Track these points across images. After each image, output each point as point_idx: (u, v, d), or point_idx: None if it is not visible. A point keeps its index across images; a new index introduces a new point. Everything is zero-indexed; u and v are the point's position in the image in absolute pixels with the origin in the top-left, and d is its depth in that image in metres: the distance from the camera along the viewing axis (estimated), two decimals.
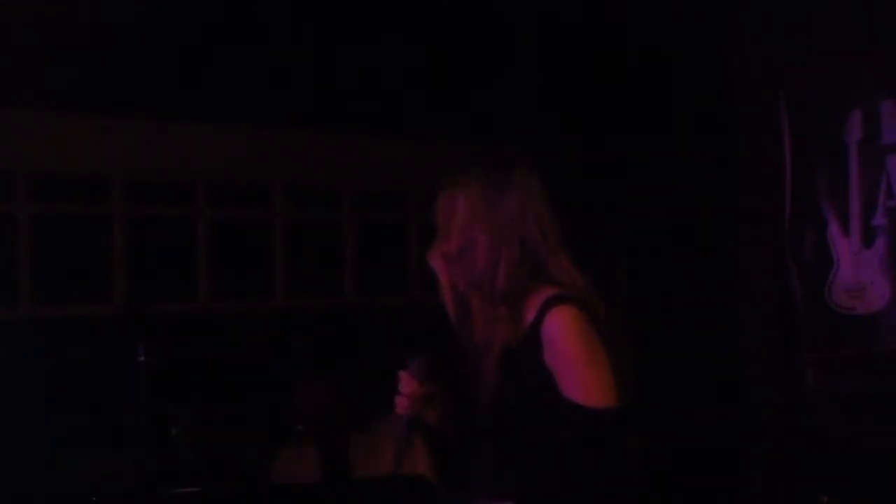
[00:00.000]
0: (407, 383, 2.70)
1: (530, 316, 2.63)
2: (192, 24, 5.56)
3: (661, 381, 5.63)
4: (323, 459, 4.22)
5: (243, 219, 6.18)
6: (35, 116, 5.46)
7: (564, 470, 2.57)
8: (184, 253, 5.95)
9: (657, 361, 5.64)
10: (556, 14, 6.13)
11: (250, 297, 6.13)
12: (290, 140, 6.19)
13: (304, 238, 6.33)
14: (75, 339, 5.44)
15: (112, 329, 5.46)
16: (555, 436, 2.57)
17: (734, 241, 5.93)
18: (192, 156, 5.91)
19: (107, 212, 5.74)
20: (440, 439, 2.87)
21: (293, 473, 4.29)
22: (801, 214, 5.55)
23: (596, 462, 2.56)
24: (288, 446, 4.41)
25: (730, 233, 5.95)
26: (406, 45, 6.02)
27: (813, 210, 5.50)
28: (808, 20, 5.51)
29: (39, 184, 5.57)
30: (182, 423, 5.23)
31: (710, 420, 5.94)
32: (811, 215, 5.51)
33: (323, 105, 6.02)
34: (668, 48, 6.15)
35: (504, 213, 2.69)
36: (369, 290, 6.48)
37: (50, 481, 5.05)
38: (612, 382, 2.59)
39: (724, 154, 5.97)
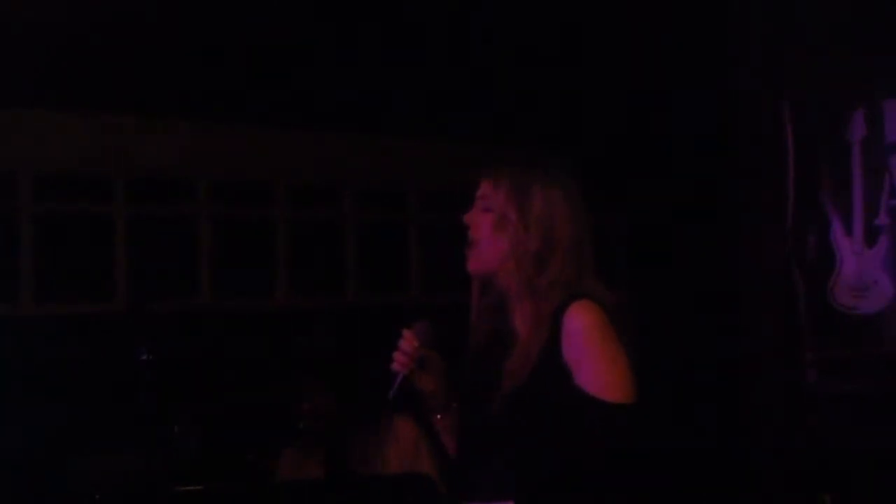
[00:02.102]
0: (408, 341, 2.72)
1: (550, 310, 2.63)
2: (195, 23, 5.56)
3: (663, 381, 5.63)
4: (325, 458, 4.22)
5: (245, 217, 6.18)
6: (38, 116, 5.47)
7: (574, 465, 2.57)
8: (186, 251, 5.96)
9: (659, 361, 5.63)
10: (555, 24, 6.13)
11: (252, 296, 6.14)
12: (293, 139, 6.19)
13: (305, 237, 6.33)
14: (78, 336, 5.45)
15: (114, 327, 5.46)
16: (567, 430, 2.57)
17: (736, 240, 5.92)
18: (195, 155, 5.91)
19: (109, 210, 5.75)
20: (431, 429, 2.87)
21: (297, 471, 4.29)
22: (804, 214, 5.55)
23: (607, 458, 2.56)
24: (291, 445, 4.40)
25: (732, 232, 5.95)
26: (410, 45, 6.02)
27: (816, 209, 5.50)
28: (809, 19, 5.51)
29: (43, 183, 5.57)
30: (184, 421, 5.23)
31: (711, 419, 5.94)
32: (814, 215, 5.50)
33: (325, 105, 6.02)
34: (669, 50, 6.15)
35: (561, 216, 2.69)
36: (370, 289, 6.48)
37: (53, 479, 5.05)
38: (630, 379, 2.59)
39: (727, 153, 5.96)
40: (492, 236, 2.70)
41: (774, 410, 5.61)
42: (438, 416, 2.84)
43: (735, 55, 5.87)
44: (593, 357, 2.59)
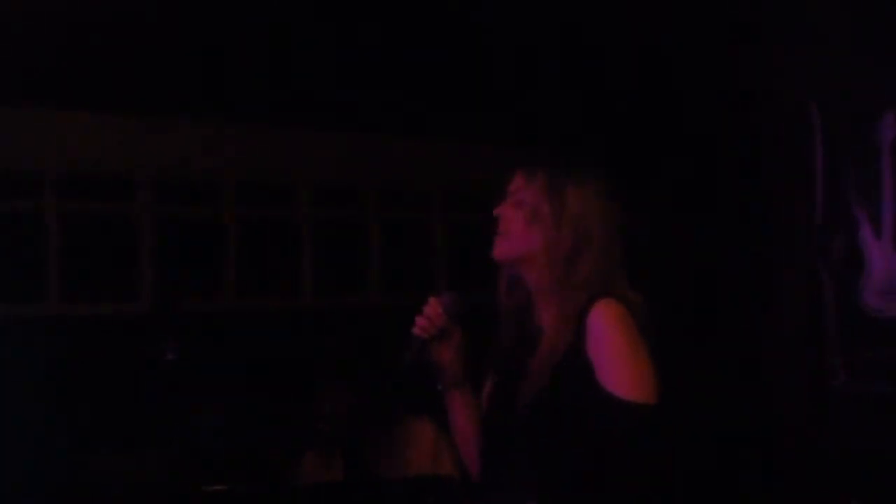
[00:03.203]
0: (433, 307, 2.74)
1: (576, 309, 2.62)
2: (215, 24, 5.57)
3: (686, 382, 5.60)
4: (347, 460, 4.22)
5: (270, 217, 6.19)
6: (63, 116, 5.49)
7: (596, 464, 2.56)
8: (212, 251, 5.97)
9: (682, 361, 5.61)
10: (579, 24, 6.11)
11: (277, 296, 6.15)
12: (316, 140, 6.20)
13: (329, 237, 6.34)
14: (103, 336, 5.47)
15: (140, 327, 5.48)
16: (589, 430, 2.56)
17: (764, 242, 5.89)
18: (219, 155, 5.93)
19: (135, 210, 5.77)
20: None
21: (318, 474, 4.29)
22: (833, 216, 5.52)
23: (628, 458, 2.55)
24: (313, 447, 4.41)
25: (760, 234, 5.92)
26: (431, 44, 6.01)
27: (844, 211, 5.47)
28: (837, 22, 5.48)
29: (68, 182, 5.59)
30: (209, 421, 5.25)
31: (736, 421, 5.91)
32: (843, 217, 5.47)
33: (347, 105, 6.02)
34: (697, 52, 6.12)
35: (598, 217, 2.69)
36: (394, 289, 6.48)
37: (78, 478, 5.07)
38: (652, 379, 2.58)
39: (755, 155, 5.94)
40: (525, 230, 2.70)
41: (800, 412, 5.59)
42: (449, 391, 2.83)
43: (763, 57, 5.84)
44: (616, 356, 2.58)
